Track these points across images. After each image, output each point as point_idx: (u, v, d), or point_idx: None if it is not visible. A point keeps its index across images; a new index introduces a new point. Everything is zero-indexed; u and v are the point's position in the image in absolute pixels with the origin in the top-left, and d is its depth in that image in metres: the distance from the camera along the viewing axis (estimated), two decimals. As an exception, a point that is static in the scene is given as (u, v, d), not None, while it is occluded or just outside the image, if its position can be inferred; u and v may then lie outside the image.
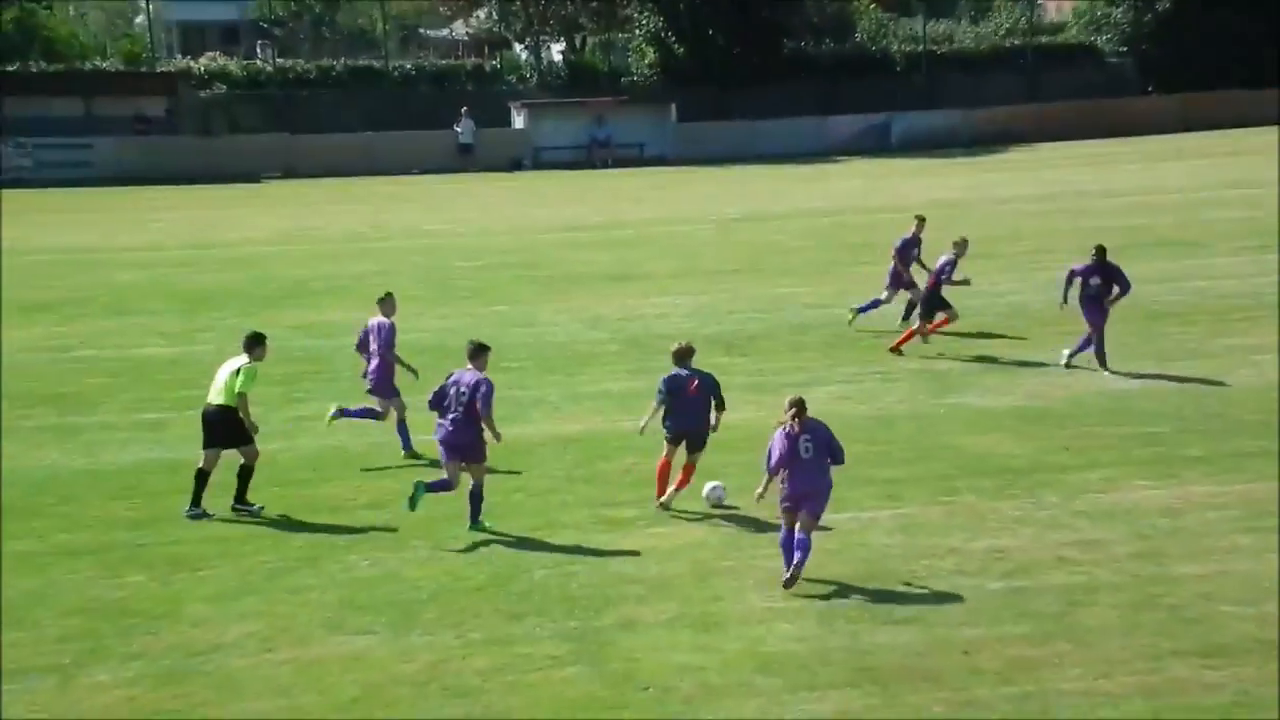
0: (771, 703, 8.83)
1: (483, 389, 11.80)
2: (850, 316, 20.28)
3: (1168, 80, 57.89)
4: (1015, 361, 17.69)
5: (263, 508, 12.53)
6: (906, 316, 20.16)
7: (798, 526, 10.55)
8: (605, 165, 48.17)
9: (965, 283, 18.46)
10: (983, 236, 29.23)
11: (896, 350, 18.23)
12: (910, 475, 13.26)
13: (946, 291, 18.46)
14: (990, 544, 11.34)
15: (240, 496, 12.56)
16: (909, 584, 10.60)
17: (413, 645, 9.71)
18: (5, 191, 39.03)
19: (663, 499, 12.41)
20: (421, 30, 74.44)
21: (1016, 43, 59.49)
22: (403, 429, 14.19)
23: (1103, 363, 16.56)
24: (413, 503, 11.86)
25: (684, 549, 11.53)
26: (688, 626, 9.99)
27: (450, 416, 11.85)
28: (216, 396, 12.38)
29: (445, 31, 71.64)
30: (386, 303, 14.32)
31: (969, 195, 37.59)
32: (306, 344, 19.70)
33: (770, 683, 9.09)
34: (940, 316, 18.52)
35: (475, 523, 12.05)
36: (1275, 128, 51.39)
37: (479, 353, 12.04)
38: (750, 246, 29.53)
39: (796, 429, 10.49)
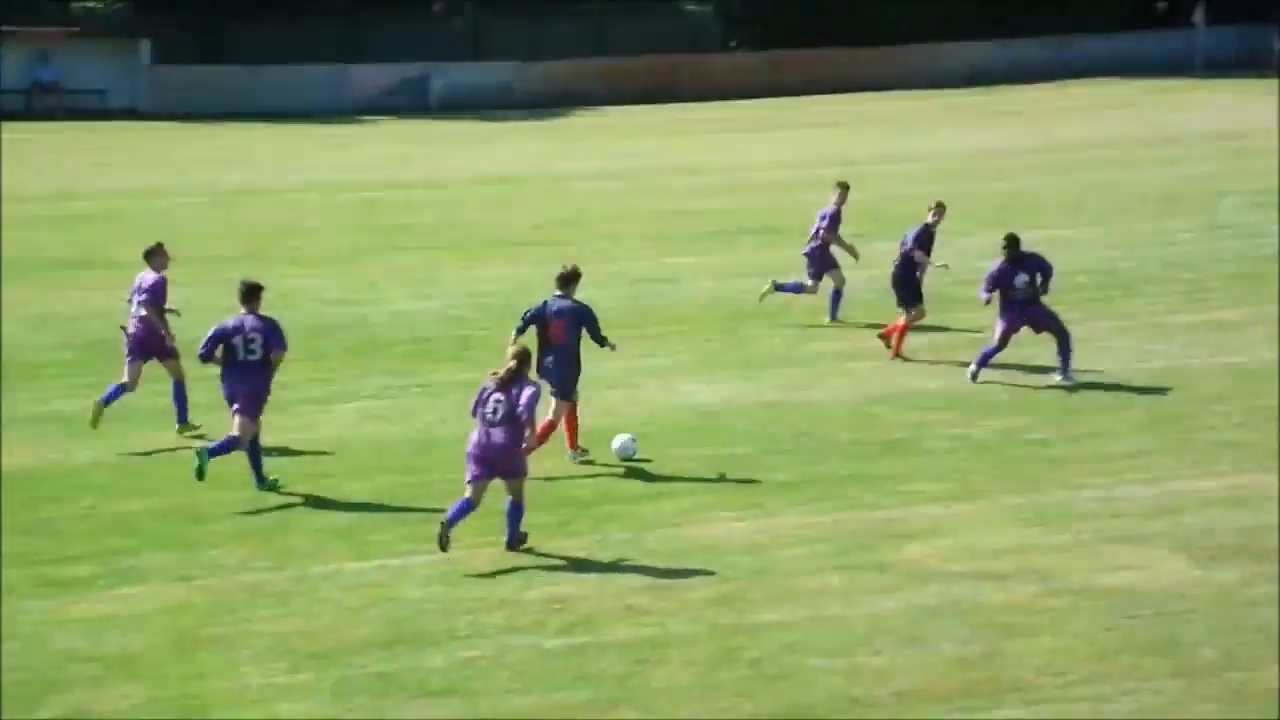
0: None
1: (274, 329, 13.91)
2: (766, 289, 20.80)
3: (754, 35, 61.66)
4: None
5: None
6: (834, 315, 20.69)
7: (506, 491, 12.42)
8: (53, 116, 46.18)
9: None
10: (542, 220, 30.18)
11: (898, 354, 18.29)
12: (452, 512, 13.43)
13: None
14: (548, 592, 11.66)
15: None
16: (448, 646, 10.72)
17: None
18: None
19: (573, 450, 14.62)
20: None
21: (578, -18, 61.29)
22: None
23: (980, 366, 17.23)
24: (200, 472, 13.57)
25: (157, 614, 11.25)
26: (160, 715, 9.70)
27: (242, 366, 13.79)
28: None
29: None
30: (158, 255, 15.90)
31: (524, 169, 38.60)
32: None
33: (270, 784, 8.96)
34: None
35: (261, 481, 13.95)
36: (879, 93, 56.06)
37: (253, 293, 14.10)
38: (253, 227, 28.99)
39: (493, 385, 12.37)
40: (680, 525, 13.13)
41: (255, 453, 14.06)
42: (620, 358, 16.07)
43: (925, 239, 18.92)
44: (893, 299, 18.86)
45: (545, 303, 14.67)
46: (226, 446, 13.87)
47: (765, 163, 39.25)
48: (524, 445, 12.53)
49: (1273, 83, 56.65)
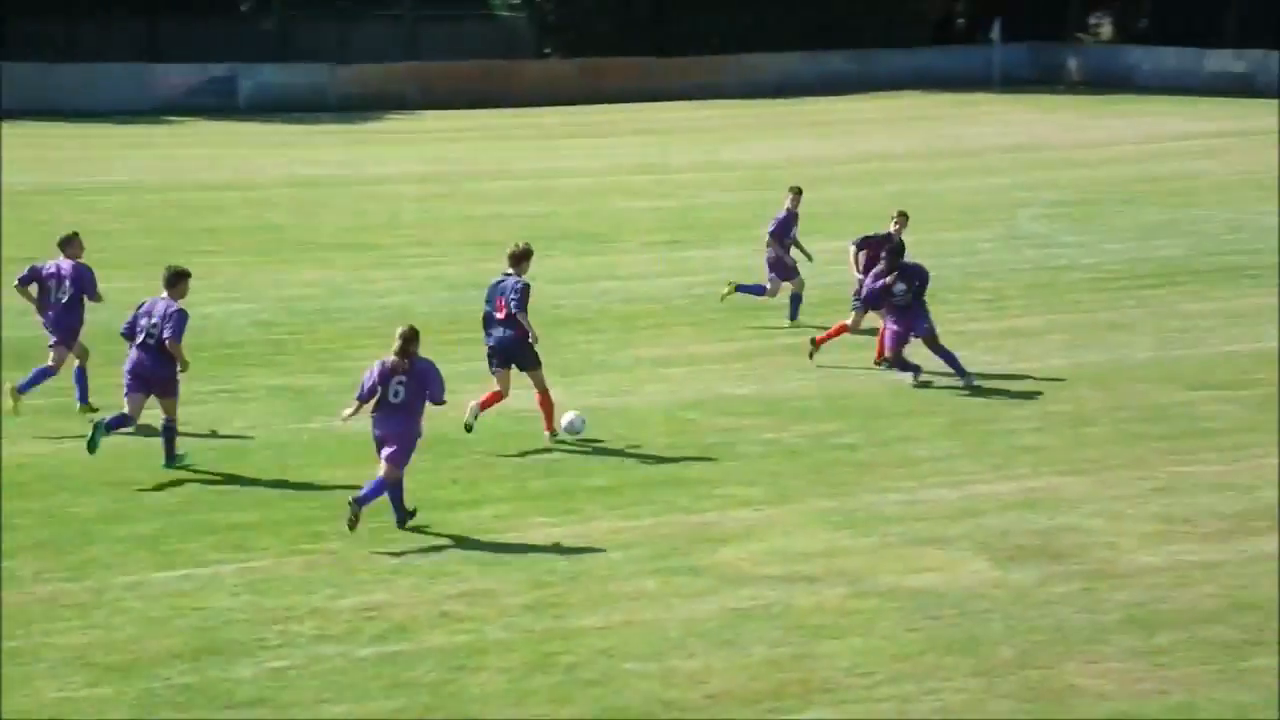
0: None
1: (174, 318, 14.29)
2: (727, 289, 20.82)
3: (568, 42, 61.82)
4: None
5: None
6: (793, 315, 20.57)
7: (381, 473, 12.76)
8: None
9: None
10: (354, 225, 29.86)
11: (880, 360, 18.10)
12: (263, 520, 13.20)
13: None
14: (361, 601, 11.51)
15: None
16: (257, 656, 10.52)
17: None
18: None
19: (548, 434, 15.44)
20: None
21: (389, -15, 60.73)
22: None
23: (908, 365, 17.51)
24: (92, 445, 14.19)
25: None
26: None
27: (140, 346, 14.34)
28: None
29: None
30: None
31: (338, 172, 38.16)
32: None
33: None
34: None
35: (171, 460, 14.46)
36: (692, 102, 56.55)
37: (177, 280, 14.58)
38: (44, 227, 28.09)
39: (389, 365, 12.71)
40: (496, 531, 13.07)
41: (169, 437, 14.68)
42: (438, 362, 15.93)
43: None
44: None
45: (495, 281, 15.54)
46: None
47: (580, 169, 39.34)
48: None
49: (1066, 98, 58.54)
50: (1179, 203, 31.86)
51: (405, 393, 12.86)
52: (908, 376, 17.55)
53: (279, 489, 14.08)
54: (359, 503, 12.61)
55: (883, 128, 49.63)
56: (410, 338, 12.88)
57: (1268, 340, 19.44)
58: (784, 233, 20.73)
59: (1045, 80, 63.49)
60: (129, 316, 14.68)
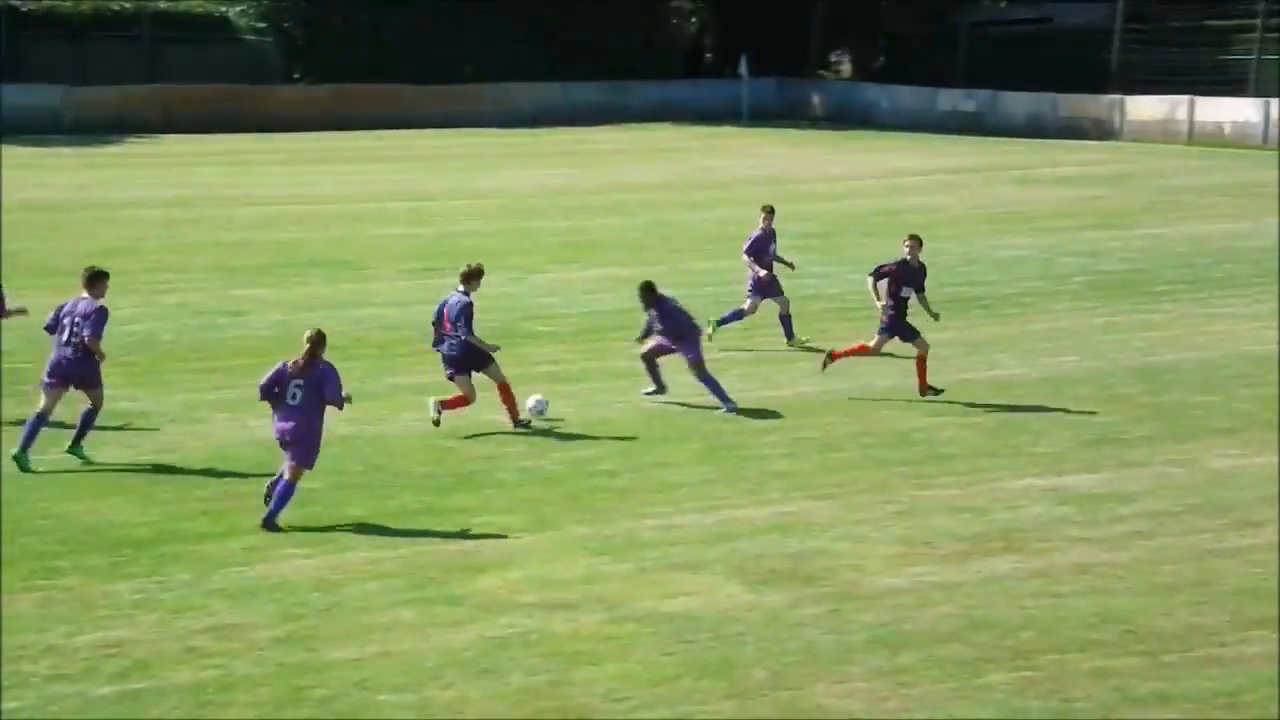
0: None
1: (95, 317, 14.99)
2: (710, 329, 20.56)
3: (318, 68, 61.04)
4: (141, 411, 17.58)
5: None
6: (789, 335, 20.69)
7: (286, 475, 13.34)
8: None
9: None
10: (94, 250, 28.88)
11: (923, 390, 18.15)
12: (-2, 556, 12.66)
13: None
14: (100, 637, 11.11)
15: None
16: (-7, 700, 10.06)
17: None
18: None
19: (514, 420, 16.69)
20: None
21: (128, 6, 59.24)
22: None
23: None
24: (22, 463, 14.83)
25: None
26: None
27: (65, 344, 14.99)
28: None
29: None
30: None
31: (76, 196, 36.98)
32: None
33: None
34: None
35: (76, 446, 15.13)
36: (448, 130, 56.30)
37: (96, 280, 15.26)
38: None
39: (290, 367, 13.34)
40: (247, 564, 12.75)
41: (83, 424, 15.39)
42: (185, 390, 15.57)
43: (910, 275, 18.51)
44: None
45: (444, 299, 17.03)
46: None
47: (333, 196, 38.83)
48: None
49: (811, 132, 60.09)
50: (919, 235, 32.87)
51: (302, 395, 13.44)
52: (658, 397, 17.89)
53: (12, 523, 13.50)
54: (271, 518, 13.33)
55: (636, 158, 50.21)
56: (317, 342, 13.51)
57: (999, 368, 20.17)
58: (760, 251, 21.34)
59: (791, 115, 65.09)
60: (51, 314, 15.45)
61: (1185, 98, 54.29)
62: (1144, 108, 55.65)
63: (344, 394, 13.72)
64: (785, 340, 21.39)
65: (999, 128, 58.49)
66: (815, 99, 67.70)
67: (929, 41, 66.71)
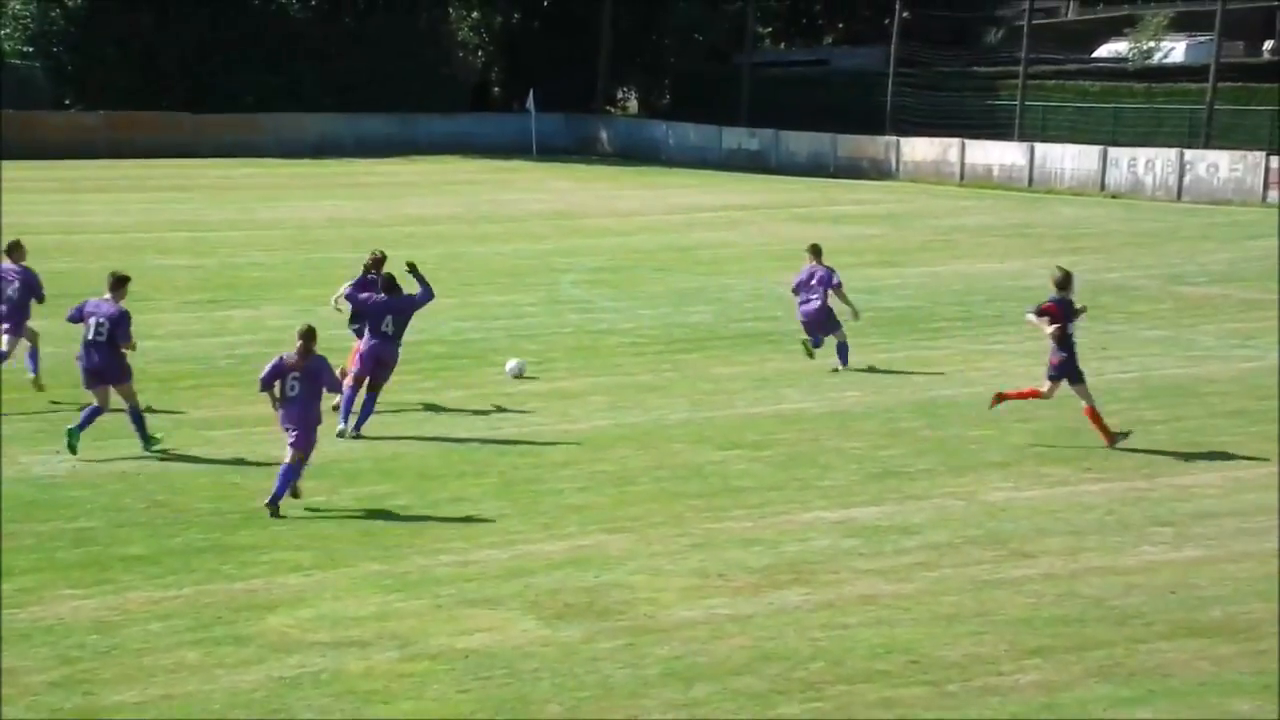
0: None
1: (123, 322, 16.45)
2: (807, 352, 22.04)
3: (90, 94, 59.39)
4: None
5: None
6: (844, 362, 22.13)
7: (287, 459, 14.63)
8: None
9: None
10: None
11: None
12: None
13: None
14: None
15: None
16: None
17: None
18: None
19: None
20: None
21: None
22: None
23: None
24: (72, 447, 16.22)
25: None
26: None
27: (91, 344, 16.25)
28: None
29: None
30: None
31: None
32: None
33: None
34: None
35: (146, 443, 16.46)
36: (229, 159, 55.17)
37: (120, 284, 16.63)
38: None
39: (288, 362, 14.63)
40: (20, 606, 12.21)
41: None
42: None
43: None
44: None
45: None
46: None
47: (109, 225, 37.72)
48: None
49: (600, 167, 60.47)
50: (706, 271, 33.29)
51: (300, 387, 14.67)
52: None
53: None
54: (275, 500, 14.50)
55: (425, 190, 49.87)
56: (309, 336, 14.75)
57: (786, 402, 20.44)
58: (804, 289, 22.21)
59: (580, 150, 65.48)
60: (74, 308, 17.02)
61: (956, 140, 56.05)
62: (918, 149, 57.30)
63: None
64: (840, 366, 22.26)
65: (782, 166, 59.69)
66: (603, 135, 68.24)
67: (713, 80, 67.80)
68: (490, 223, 41.20)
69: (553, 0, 69.46)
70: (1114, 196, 49.22)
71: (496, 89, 73.53)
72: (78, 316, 16.86)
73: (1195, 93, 53.74)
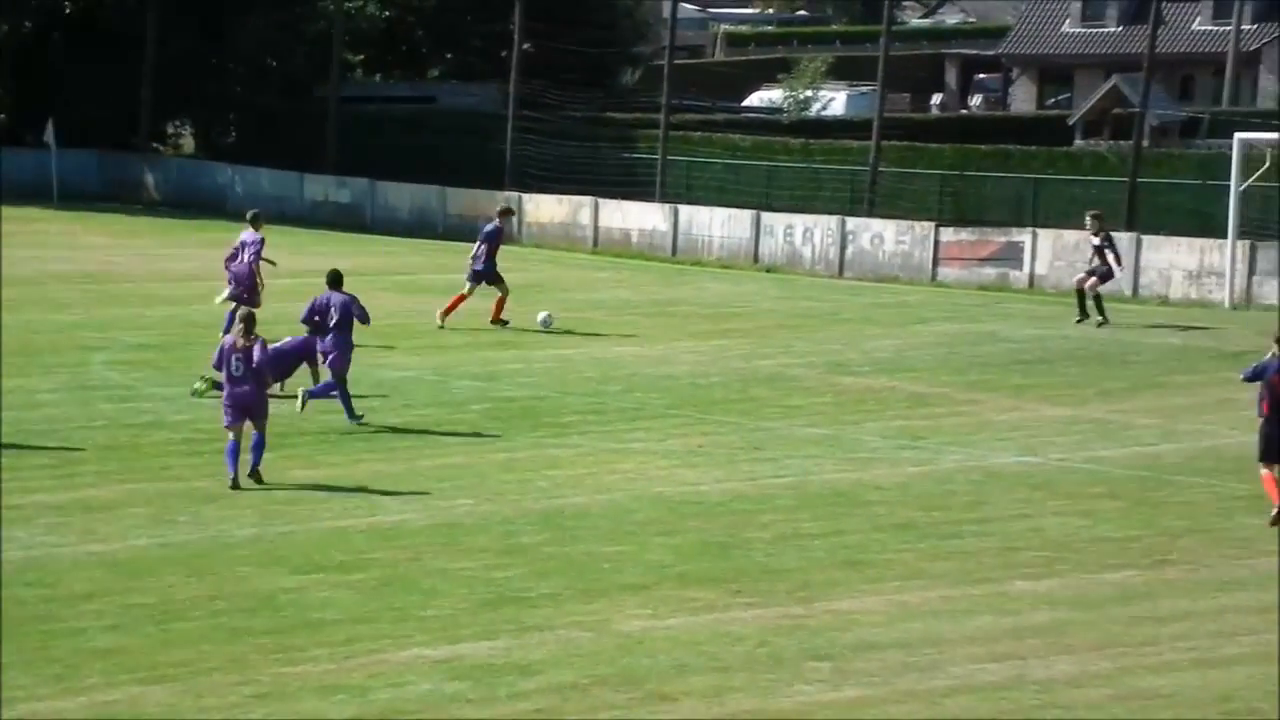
0: None
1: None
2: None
3: None
4: None
5: None
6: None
7: (254, 431, 20.70)
8: None
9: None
10: None
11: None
12: None
13: None
14: None
15: None
16: None
17: None
18: None
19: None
20: None
21: None
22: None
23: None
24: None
25: None
26: None
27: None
28: None
29: None
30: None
31: None
32: None
33: None
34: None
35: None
36: None
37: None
38: None
39: (231, 345, 20.44)
40: None
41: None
42: None
43: None
44: None
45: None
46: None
47: None
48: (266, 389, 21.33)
49: (147, 219, 59.26)
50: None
51: (243, 366, 20.40)
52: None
53: None
54: (254, 469, 20.72)
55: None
56: (249, 320, 20.90)
57: (382, 513, 20.41)
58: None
59: (118, 196, 63.99)
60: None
61: (589, 199, 56.94)
62: (544, 208, 57.94)
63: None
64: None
65: (380, 223, 59.48)
66: (149, 178, 66.84)
67: (291, 116, 67.21)
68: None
69: (79, 7, 67.42)
70: (769, 270, 50.88)
71: (2, 116, 70.99)
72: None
73: (857, 151, 56.00)
